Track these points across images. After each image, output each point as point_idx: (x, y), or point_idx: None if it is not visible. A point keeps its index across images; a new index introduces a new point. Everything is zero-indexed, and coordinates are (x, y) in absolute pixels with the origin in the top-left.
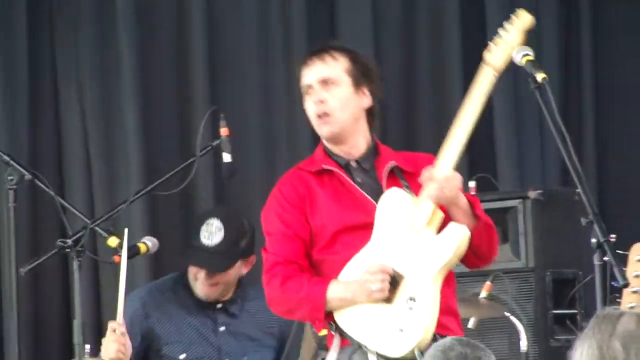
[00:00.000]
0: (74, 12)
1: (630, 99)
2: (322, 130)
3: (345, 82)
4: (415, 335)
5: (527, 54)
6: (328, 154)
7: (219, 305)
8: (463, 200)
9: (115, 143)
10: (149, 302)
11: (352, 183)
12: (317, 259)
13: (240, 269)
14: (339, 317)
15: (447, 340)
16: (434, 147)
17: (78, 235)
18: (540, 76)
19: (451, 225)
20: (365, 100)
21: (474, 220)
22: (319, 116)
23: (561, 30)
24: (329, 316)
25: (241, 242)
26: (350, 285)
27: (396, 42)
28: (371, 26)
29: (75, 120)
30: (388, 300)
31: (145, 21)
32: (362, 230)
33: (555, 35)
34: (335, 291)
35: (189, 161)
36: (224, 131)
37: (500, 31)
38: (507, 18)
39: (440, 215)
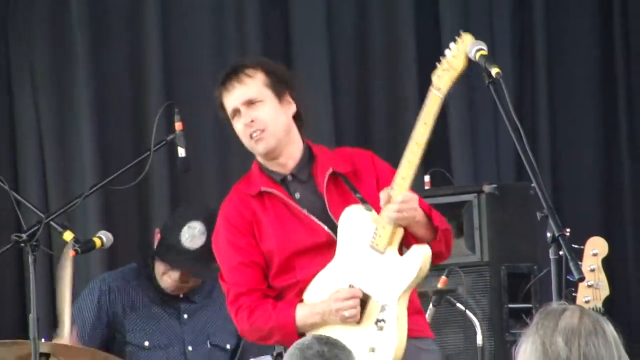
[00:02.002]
0: (29, 13)
1: (585, 93)
2: (259, 148)
3: (268, 97)
4: (387, 356)
5: (481, 49)
6: (264, 171)
7: (181, 296)
8: (421, 216)
9: (69, 137)
10: (116, 288)
11: (294, 204)
12: (278, 286)
13: None
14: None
15: (307, 338)
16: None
17: (33, 230)
18: (494, 71)
19: (414, 247)
20: (292, 107)
21: (433, 232)
22: (252, 136)
23: (514, 22)
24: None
25: None
26: (317, 308)
27: (350, 41)
28: (325, 21)
29: (29, 114)
30: (357, 321)
31: (99, 16)
32: (313, 251)
33: (509, 26)
34: (303, 316)
35: (144, 155)
36: (178, 126)
37: (447, 52)
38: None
39: (400, 232)
